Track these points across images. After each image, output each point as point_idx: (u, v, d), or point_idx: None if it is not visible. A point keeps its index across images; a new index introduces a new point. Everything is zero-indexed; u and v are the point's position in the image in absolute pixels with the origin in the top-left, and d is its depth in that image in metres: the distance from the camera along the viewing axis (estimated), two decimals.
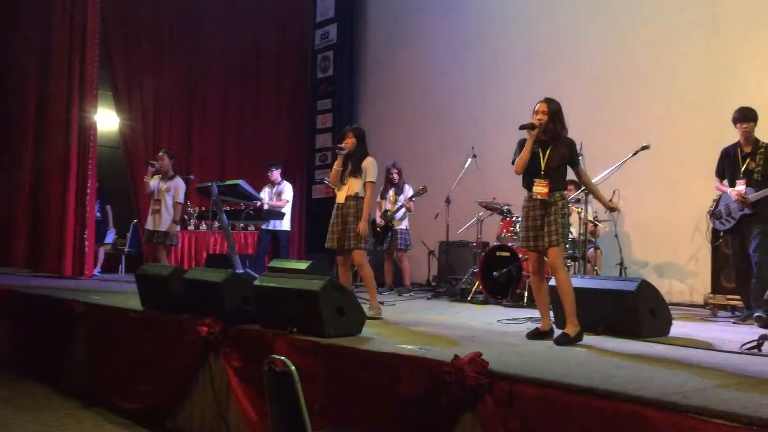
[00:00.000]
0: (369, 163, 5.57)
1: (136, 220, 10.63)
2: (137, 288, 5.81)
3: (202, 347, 4.58)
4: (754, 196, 5.66)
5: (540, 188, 4.33)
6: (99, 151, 10.02)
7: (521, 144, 4.45)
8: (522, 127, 4.42)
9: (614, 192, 7.22)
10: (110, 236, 10.80)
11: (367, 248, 5.58)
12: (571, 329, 4.20)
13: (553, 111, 4.36)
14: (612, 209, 4.91)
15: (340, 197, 5.60)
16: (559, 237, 4.27)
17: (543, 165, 4.35)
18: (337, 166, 5.63)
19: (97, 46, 9.81)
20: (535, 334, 4.40)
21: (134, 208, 10.55)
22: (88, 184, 9.59)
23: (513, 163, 4.48)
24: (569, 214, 4.43)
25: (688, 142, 7.62)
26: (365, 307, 5.42)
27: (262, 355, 3.01)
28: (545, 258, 4.44)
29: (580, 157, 4.74)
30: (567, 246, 4.49)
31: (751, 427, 2.30)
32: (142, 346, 5.32)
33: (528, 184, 4.43)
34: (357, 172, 5.54)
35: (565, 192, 4.46)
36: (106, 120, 11.22)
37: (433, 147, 10.30)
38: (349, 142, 5.61)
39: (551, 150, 4.36)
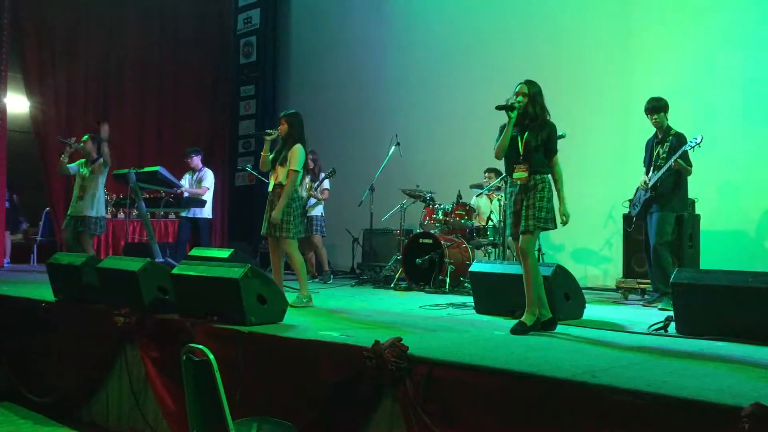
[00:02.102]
0: (294, 151, 5.39)
1: (48, 209, 10.21)
2: (49, 278, 5.60)
3: (119, 338, 4.46)
4: (652, 179, 5.91)
5: (520, 173, 4.22)
6: (8, 137, 9.56)
7: (502, 128, 4.30)
8: (498, 108, 4.25)
9: None
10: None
11: (295, 236, 5.43)
12: (529, 318, 4.14)
13: (533, 93, 4.26)
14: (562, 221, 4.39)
15: (270, 185, 5.52)
16: (533, 222, 4.15)
17: (521, 149, 4.24)
18: (264, 152, 5.52)
19: (6, 26, 9.34)
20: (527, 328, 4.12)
21: (46, 196, 10.13)
22: None
23: (494, 148, 4.32)
24: (549, 199, 4.23)
25: (602, 132, 7.88)
26: (295, 295, 5.40)
27: (180, 345, 2.95)
28: None
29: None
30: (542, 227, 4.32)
31: (655, 403, 2.41)
32: (55, 338, 5.14)
33: (508, 170, 4.35)
34: (284, 160, 5.42)
35: (549, 176, 4.27)
36: (17, 103, 10.71)
37: (357, 134, 10.30)
38: (281, 129, 5.47)
39: (529, 133, 4.24)
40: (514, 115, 4.19)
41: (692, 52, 7.44)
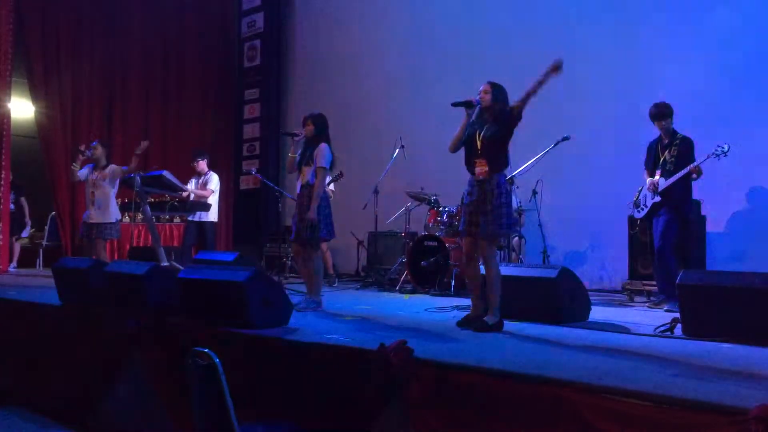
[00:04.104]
0: (320, 150, 5.37)
1: (54, 213, 10.24)
2: (55, 282, 5.61)
3: (125, 341, 4.46)
4: (662, 184, 5.91)
5: (480, 167, 4.32)
6: (13, 141, 9.58)
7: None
8: (454, 104, 4.44)
9: (538, 181, 7.44)
10: (26, 231, 10.38)
11: (324, 237, 5.39)
12: (491, 318, 4.25)
13: (497, 92, 4.38)
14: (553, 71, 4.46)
15: (298, 187, 5.51)
16: (494, 228, 4.24)
17: (479, 144, 4.36)
18: (291, 153, 5.53)
19: (10, 31, 9.37)
20: (465, 322, 4.36)
21: (52, 201, 10.16)
22: (2, 176, 9.18)
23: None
24: (509, 204, 4.34)
25: (607, 134, 7.87)
26: (305, 297, 5.40)
27: (186, 348, 2.96)
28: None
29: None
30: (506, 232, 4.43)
31: (661, 405, 2.41)
32: (61, 341, 5.15)
33: (469, 167, 4.44)
34: (310, 159, 5.39)
35: (504, 176, 4.39)
36: (21, 108, 10.74)
37: (361, 137, 10.30)
38: (307, 130, 5.47)
39: (487, 129, 4.37)
40: (472, 111, 4.39)
41: (697, 52, 7.43)
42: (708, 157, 5.72)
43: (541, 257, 7.49)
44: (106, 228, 7.59)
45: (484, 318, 4.28)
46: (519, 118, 4.37)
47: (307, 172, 5.39)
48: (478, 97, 4.43)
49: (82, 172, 7.79)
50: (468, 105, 4.43)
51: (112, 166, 7.73)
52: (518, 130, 4.49)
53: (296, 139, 5.52)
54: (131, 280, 4.75)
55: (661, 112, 5.95)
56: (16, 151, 9.79)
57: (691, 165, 5.76)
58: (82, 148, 7.82)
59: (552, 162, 6.92)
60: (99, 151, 7.75)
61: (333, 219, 5.47)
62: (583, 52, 8.20)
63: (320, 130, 5.49)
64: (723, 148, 5.65)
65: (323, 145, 5.42)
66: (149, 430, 4.31)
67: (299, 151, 5.54)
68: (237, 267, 4.71)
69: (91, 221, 7.66)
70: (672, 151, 5.93)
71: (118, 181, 7.73)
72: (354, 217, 9.03)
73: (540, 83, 4.32)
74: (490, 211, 4.27)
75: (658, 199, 5.93)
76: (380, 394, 3.13)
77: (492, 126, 4.37)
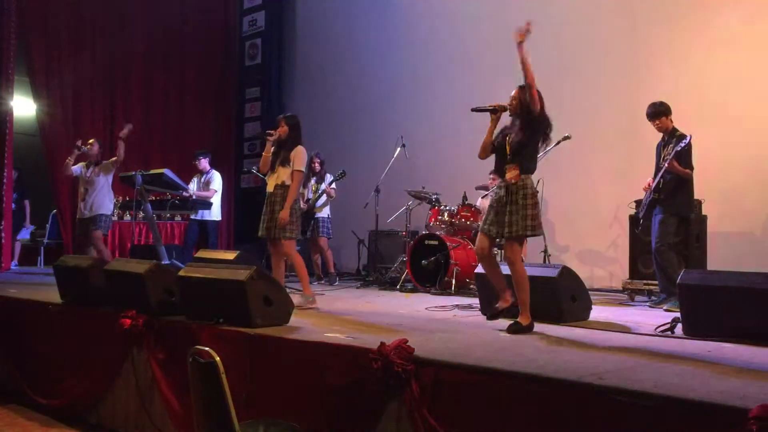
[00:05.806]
0: (298, 152, 5.53)
1: (55, 211, 10.25)
2: (56, 280, 5.62)
3: (125, 340, 4.47)
4: (654, 182, 5.91)
5: (511, 173, 4.27)
6: (15, 139, 9.58)
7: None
8: (474, 110, 4.45)
9: (539, 181, 7.43)
10: (26, 232, 10.36)
11: (295, 237, 5.55)
12: (525, 320, 4.19)
13: (524, 98, 4.34)
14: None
15: (270, 186, 5.58)
16: (518, 229, 4.19)
17: (509, 150, 4.32)
18: (266, 152, 5.60)
19: (13, 28, 9.38)
20: (497, 314, 4.33)
21: (53, 198, 10.16)
22: (4, 174, 9.19)
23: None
24: (535, 205, 4.26)
25: (609, 134, 7.87)
26: (297, 296, 5.41)
27: (187, 347, 2.96)
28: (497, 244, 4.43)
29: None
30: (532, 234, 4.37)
31: (661, 404, 2.40)
32: (62, 340, 5.15)
33: (499, 171, 4.41)
34: (286, 161, 5.52)
35: (532, 178, 4.34)
36: (23, 106, 10.75)
37: (362, 135, 10.31)
38: (281, 131, 5.58)
39: (515, 135, 4.34)
40: (497, 116, 4.36)
41: (699, 51, 7.42)
42: (674, 152, 5.68)
43: (542, 257, 7.49)
44: (101, 219, 7.65)
45: (518, 320, 4.20)
46: (548, 124, 4.39)
47: (284, 173, 5.51)
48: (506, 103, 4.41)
49: (75, 168, 7.84)
50: (492, 111, 4.39)
51: (104, 162, 7.79)
52: None
53: (270, 138, 5.59)
54: (132, 278, 4.74)
55: (656, 111, 5.95)
56: (18, 149, 9.80)
57: (665, 164, 5.73)
58: (79, 143, 7.87)
59: (553, 161, 6.89)
60: (95, 148, 7.81)
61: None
62: (585, 51, 8.21)
63: (294, 131, 5.61)
64: (685, 139, 5.64)
65: (301, 148, 5.57)
66: (150, 429, 4.31)
67: (273, 151, 5.64)
68: (238, 266, 4.70)
69: (83, 217, 7.71)
70: (669, 149, 5.91)
71: (111, 176, 7.76)
72: (355, 216, 9.04)
73: (524, 68, 4.33)
74: (516, 212, 4.22)
75: (652, 197, 5.93)
76: (381, 393, 3.13)
77: (520, 133, 4.32)
